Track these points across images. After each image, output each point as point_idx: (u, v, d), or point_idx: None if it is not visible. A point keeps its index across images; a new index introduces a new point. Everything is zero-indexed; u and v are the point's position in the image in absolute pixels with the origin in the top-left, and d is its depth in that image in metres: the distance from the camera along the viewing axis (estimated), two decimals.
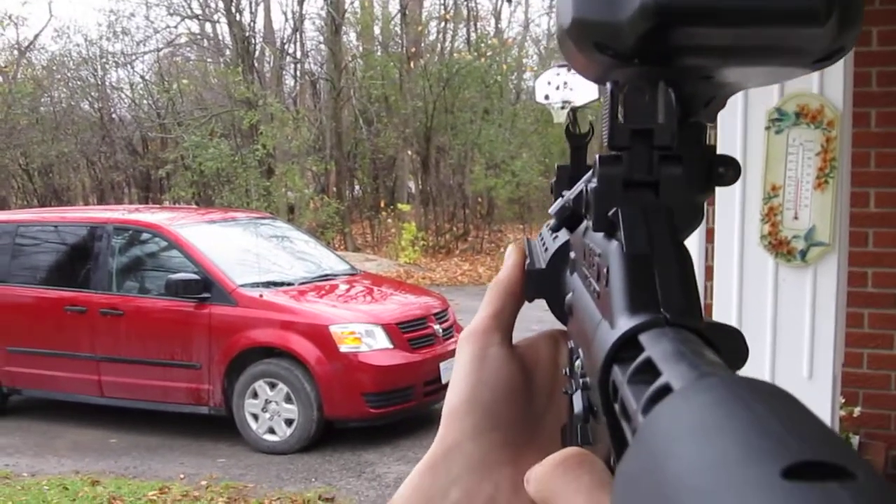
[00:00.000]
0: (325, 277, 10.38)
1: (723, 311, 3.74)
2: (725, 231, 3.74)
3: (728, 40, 0.45)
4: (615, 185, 0.50)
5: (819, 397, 3.61)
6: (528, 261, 0.72)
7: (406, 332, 9.15)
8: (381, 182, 28.14)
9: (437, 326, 9.52)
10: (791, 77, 0.51)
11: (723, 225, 3.75)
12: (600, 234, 0.52)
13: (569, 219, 0.64)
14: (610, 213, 0.50)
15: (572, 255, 0.64)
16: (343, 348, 8.78)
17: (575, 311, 0.59)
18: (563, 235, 0.67)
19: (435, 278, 20.78)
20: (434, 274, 21.59)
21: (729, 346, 0.46)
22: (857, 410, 5.08)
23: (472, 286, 19.90)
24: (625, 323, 0.44)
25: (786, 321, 3.64)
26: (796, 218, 3.61)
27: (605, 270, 0.49)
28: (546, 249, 0.71)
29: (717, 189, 0.56)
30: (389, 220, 26.28)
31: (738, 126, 3.64)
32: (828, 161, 3.58)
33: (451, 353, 9.26)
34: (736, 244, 3.71)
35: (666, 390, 0.34)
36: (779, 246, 3.64)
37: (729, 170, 0.55)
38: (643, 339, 0.42)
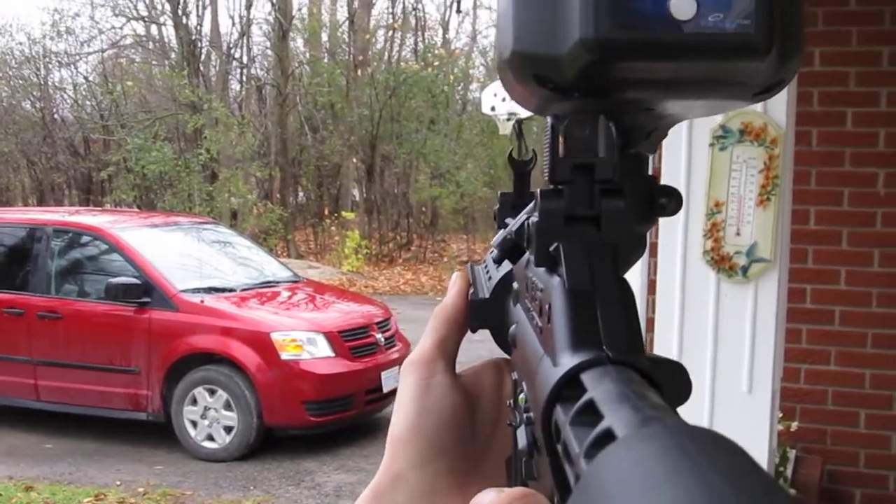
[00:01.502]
0: (268, 284, 10.32)
1: (664, 324, 3.77)
2: (668, 246, 3.76)
3: (669, 74, 0.45)
4: (557, 219, 0.50)
5: (758, 411, 3.65)
6: (471, 289, 0.71)
7: (348, 340, 9.12)
8: (326, 189, 28.04)
9: (379, 335, 9.50)
10: (731, 109, 0.51)
11: (666, 240, 3.78)
12: (542, 269, 0.51)
13: (511, 251, 0.64)
14: (552, 248, 0.50)
15: (515, 285, 0.64)
16: (284, 356, 8.73)
17: (518, 343, 0.59)
18: (507, 265, 0.67)
19: (377, 287, 20.74)
20: (377, 282, 21.55)
21: (671, 381, 0.46)
22: (794, 425, 5.14)
23: (415, 295, 19.89)
24: (567, 361, 0.43)
25: (726, 336, 3.67)
26: (738, 234, 3.65)
27: (547, 306, 0.48)
28: (490, 278, 0.70)
29: None
30: (333, 228, 26.20)
31: (682, 142, 3.67)
32: (770, 178, 3.62)
33: (393, 363, 9.29)
34: (679, 259, 3.74)
35: (608, 435, 0.34)
36: (721, 261, 3.67)
37: (671, 200, 0.54)
38: (585, 378, 0.42)
